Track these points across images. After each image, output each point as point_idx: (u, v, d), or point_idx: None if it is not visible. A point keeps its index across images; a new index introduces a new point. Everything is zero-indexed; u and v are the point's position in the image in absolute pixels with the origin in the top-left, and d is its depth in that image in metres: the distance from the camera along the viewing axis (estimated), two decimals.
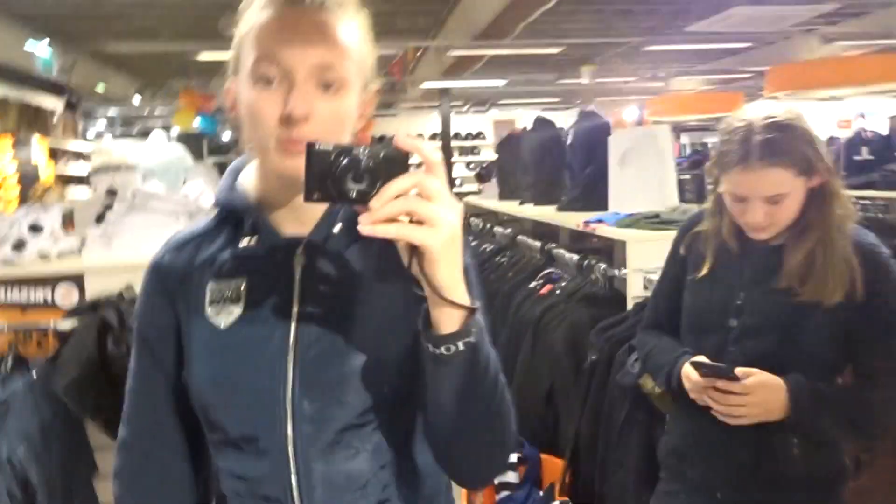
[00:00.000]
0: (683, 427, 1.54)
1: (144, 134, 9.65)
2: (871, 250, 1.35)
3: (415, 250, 0.79)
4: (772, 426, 1.32)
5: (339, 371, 0.93)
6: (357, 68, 0.92)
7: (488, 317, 0.94)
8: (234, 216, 1.00)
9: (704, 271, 1.46)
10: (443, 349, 0.82)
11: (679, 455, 1.56)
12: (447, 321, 0.82)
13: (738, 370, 1.32)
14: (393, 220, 0.77)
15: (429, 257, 0.78)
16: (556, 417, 2.80)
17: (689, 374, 1.39)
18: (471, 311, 0.82)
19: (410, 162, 0.80)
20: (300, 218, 0.96)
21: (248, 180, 1.01)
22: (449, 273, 0.79)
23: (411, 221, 0.78)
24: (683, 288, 1.51)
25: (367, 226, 0.77)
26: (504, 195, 5.26)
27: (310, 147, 0.78)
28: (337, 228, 0.97)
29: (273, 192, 0.96)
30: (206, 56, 6.79)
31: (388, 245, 0.82)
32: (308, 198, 0.79)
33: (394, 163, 0.78)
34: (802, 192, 1.33)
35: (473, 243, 4.85)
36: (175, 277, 1.01)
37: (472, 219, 5.58)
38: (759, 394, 1.31)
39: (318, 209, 0.95)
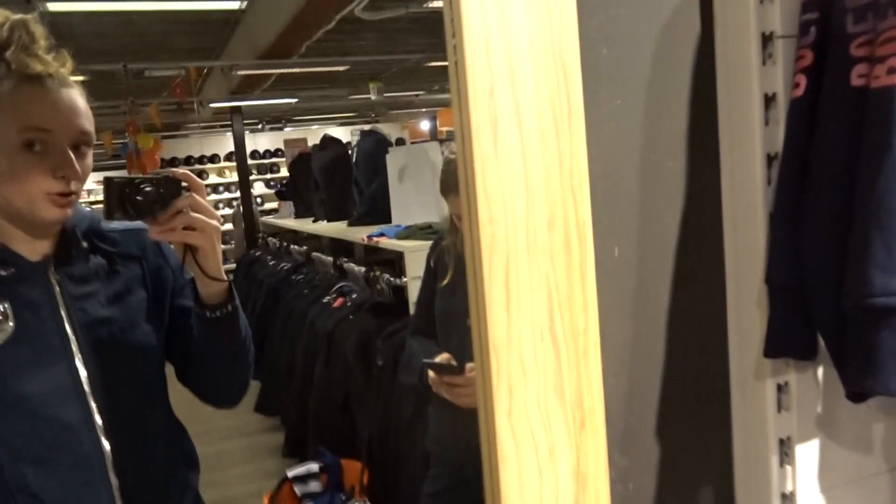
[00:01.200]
0: (438, 417, 1.75)
1: None
2: None
3: (188, 248, 1.08)
4: None
5: (125, 368, 1.12)
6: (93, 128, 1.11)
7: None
8: None
9: (447, 280, 1.69)
10: (218, 313, 1.13)
11: (437, 441, 1.78)
12: (217, 294, 1.12)
13: (468, 365, 1.55)
14: (174, 229, 1.05)
15: (202, 253, 1.08)
16: (353, 423, 2.96)
17: (428, 373, 1.61)
18: (230, 283, 1.14)
19: (183, 185, 1.07)
20: (36, 247, 1.10)
21: None
22: (215, 261, 1.10)
23: (186, 229, 1.05)
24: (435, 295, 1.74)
25: (157, 235, 1.05)
26: (300, 213, 5.34)
27: (108, 180, 1.03)
28: (83, 244, 1.13)
29: (9, 229, 1.08)
30: None
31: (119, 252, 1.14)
32: (109, 217, 1.05)
33: (171, 187, 1.06)
34: None
35: (271, 262, 4.89)
36: None
37: (269, 238, 5.60)
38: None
39: (48, 236, 1.10)
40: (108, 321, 1.12)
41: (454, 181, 1.54)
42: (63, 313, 1.09)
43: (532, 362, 0.67)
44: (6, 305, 1.07)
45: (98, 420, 1.08)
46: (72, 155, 1.03)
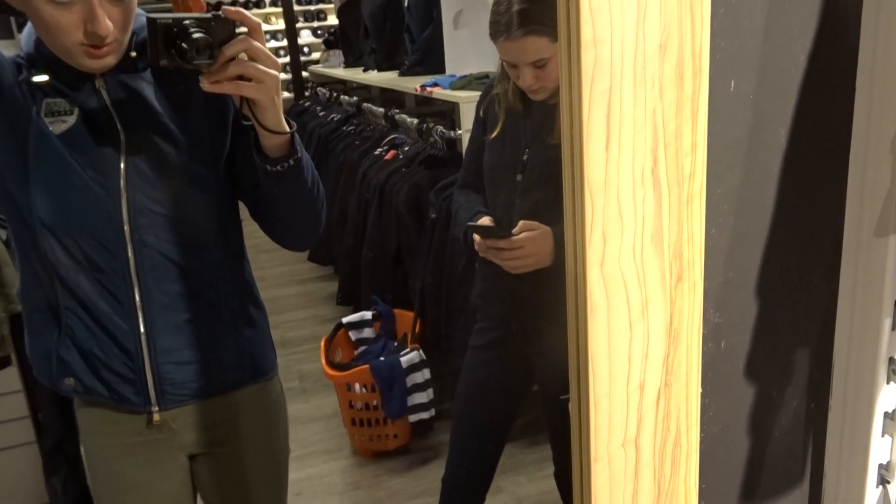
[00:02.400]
0: (484, 273, 1.72)
1: None
2: None
3: (246, 99, 1.00)
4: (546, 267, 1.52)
5: (171, 183, 1.11)
6: None
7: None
8: (42, 58, 1.08)
9: (497, 131, 1.59)
10: (278, 167, 1.07)
11: (483, 297, 1.76)
12: (277, 147, 1.07)
13: (516, 227, 1.48)
14: (227, 80, 0.97)
15: (259, 106, 1.00)
16: (405, 274, 2.99)
17: (473, 236, 1.55)
18: (292, 135, 1.07)
19: (237, 26, 0.98)
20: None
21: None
22: (274, 114, 1.02)
23: (242, 79, 0.97)
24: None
25: (208, 85, 0.96)
26: (349, 63, 5.17)
27: (152, 22, 0.94)
28: (133, 54, 1.10)
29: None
30: None
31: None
32: (154, 64, 0.97)
33: (223, 30, 0.96)
34: None
35: (321, 113, 4.80)
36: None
37: (319, 88, 5.47)
38: (528, 247, 1.46)
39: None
40: (157, 131, 1.09)
41: (504, 22, 1.40)
42: (115, 118, 1.08)
43: (630, 208, 0.60)
44: (68, 102, 1.08)
45: (126, 227, 1.09)
46: (97, 8, 0.97)
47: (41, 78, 1.06)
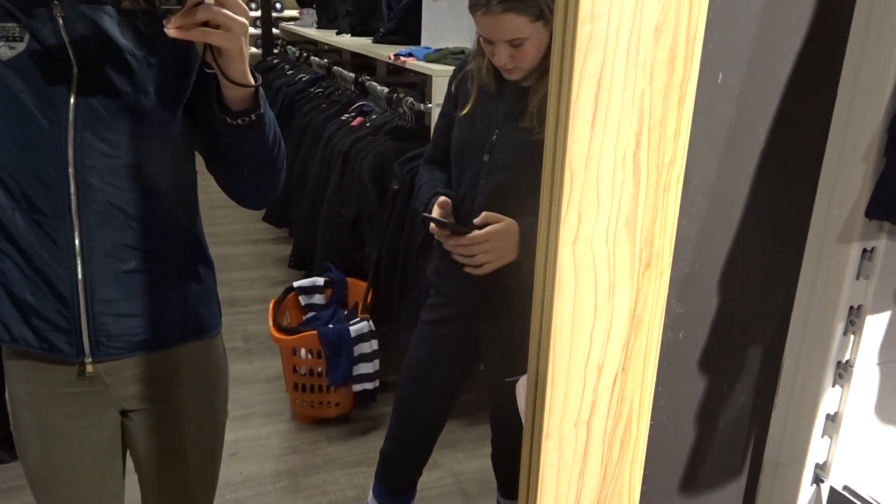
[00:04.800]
0: (441, 249, 1.69)
1: None
2: None
3: (210, 47, 0.95)
4: None
5: (117, 114, 1.05)
6: None
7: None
8: None
9: (468, 109, 1.56)
10: (239, 121, 1.04)
11: (439, 273, 1.75)
12: (240, 100, 1.03)
13: (478, 219, 1.43)
14: (193, 26, 0.92)
15: (225, 56, 0.96)
16: (362, 243, 2.96)
17: (431, 225, 1.51)
18: (256, 89, 1.03)
19: None
20: None
21: None
22: (239, 65, 0.98)
23: (209, 26, 0.93)
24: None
25: (173, 30, 0.91)
26: (322, 24, 5.07)
27: None
28: None
29: None
30: None
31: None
32: (116, 5, 0.92)
33: None
34: (545, 37, 1.39)
35: (290, 72, 4.70)
36: None
37: (288, 47, 5.35)
38: (492, 241, 1.43)
39: None
40: (114, 67, 1.04)
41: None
42: (69, 49, 1.02)
43: (608, 189, 0.60)
44: (20, 27, 1.01)
45: (71, 168, 1.03)
46: None
47: None
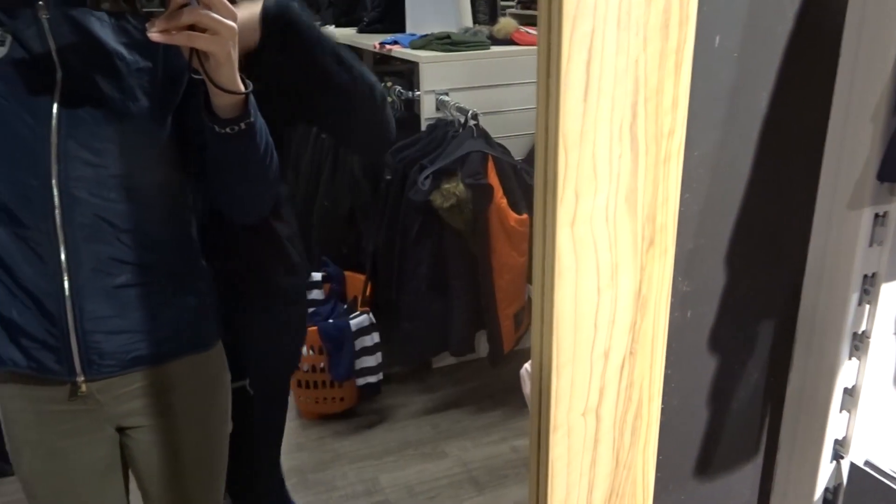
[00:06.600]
0: None
1: None
2: None
3: (196, 51, 0.90)
4: None
5: (101, 117, 1.00)
6: None
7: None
8: None
9: None
10: (227, 129, 0.98)
11: None
12: (229, 107, 0.97)
13: None
14: (178, 29, 0.86)
15: (212, 61, 0.90)
16: (358, 236, 2.93)
17: None
18: (247, 96, 0.97)
19: None
20: None
21: None
22: (228, 71, 0.92)
23: (195, 29, 0.87)
24: None
25: (156, 33, 0.86)
26: None
27: None
28: None
29: None
30: None
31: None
32: (95, 7, 0.86)
33: None
34: None
35: None
36: None
37: None
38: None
39: None
40: (101, 73, 0.99)
41: None
42: (53, 53, 0.97)
43: (605, 165, 0.56)
44: (3, 30, 0.96)
45: (54, 180, 0.98)
46: None
47: None
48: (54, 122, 0.97)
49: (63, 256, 1.01)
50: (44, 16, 0.96)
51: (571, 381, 0.61)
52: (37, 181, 0.98)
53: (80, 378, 1.07)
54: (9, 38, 0.95)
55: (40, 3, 0.96)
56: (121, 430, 1.18)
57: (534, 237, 0.61)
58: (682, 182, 0.61)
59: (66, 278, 1.02)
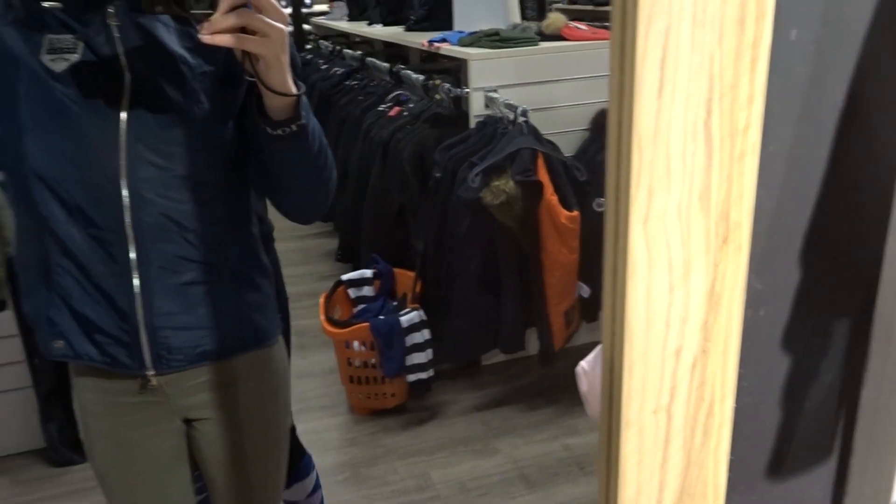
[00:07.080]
0: None
1: None
2: None
3: (248, 54, 0.92)
4: None
5: (170, 119, 1.04)
6: None
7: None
8: None
9: None
10: (280, 131, 1.00)
11: None
12: (281, 109, 0.99)
13: None
14: (229, 32, 0.88)
15: (263, 63, 0.92)
16: (406, 233, 2.95)
17: None
18: (298, 98, 0.99)
19: None
20: None
21: None
22: (279, 73, 0.94)
23: (246, 32, 0.89)
24: None
25: (207, 36, 0.88)
26: (354, 16, 5.05)
27: None
28: None
29: None
30: None
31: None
32: (149, 9, 0.88)
33: None
34: None
35: (323, 67, 4.70)
36: None
37: (321, 41, 5.35)
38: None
39: None
40: (167, 77, 1.02)
41: None
42: (122, 58, 1.00)
43: (679, 163, 0.56)
44: (75, 38, 1.00)
45: (124, 181, 1.02)
46: None
47: (51, 3, 0.99)
48: (123, 125, 1.01)
49: (133, 255, 1.05)
50: (113, 23, 1.00)
51: (643, 379, 0.60)
52: (107, 182, 1.02)
53: (150, 372, 1.12)
54: (81, 45, 0.99)
55: (110, 10, 0.99)
56: (187, 422, 1.23)
57: (605, 235, 0.61)
58: (757, 179, 0.60)
59: (135, 276, 1.06)
